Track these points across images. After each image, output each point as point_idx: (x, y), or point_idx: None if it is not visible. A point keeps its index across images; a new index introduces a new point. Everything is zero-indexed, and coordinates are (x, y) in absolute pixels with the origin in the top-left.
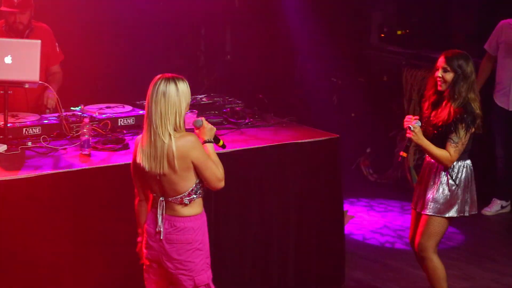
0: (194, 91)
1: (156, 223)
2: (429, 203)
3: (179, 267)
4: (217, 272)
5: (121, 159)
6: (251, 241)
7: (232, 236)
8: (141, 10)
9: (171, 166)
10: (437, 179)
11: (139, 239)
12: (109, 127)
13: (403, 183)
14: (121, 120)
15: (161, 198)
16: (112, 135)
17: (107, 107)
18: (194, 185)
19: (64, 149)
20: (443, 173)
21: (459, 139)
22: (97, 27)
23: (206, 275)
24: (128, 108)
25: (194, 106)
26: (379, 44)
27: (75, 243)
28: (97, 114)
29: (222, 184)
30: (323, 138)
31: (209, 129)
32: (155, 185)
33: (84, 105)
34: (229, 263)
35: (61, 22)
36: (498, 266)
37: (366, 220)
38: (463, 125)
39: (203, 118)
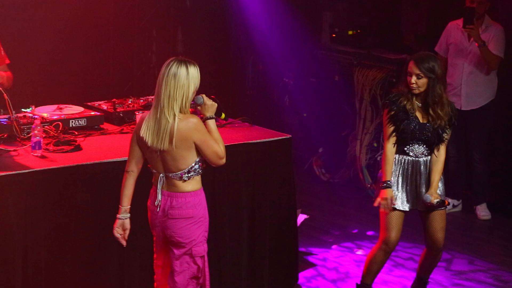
0: (145, 92)
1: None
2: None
3: (180, 241)
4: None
5: (73, 160)
6: None
7: None
8: (92, 11)
9: (171, 144)
10: None
11: (118, 215)
12: (60, 129)
13: (356, 182)
14: (72, 121)
15: (161, 175)
16: (64, 136)
17: (58, 108)
18: (193, 163)
19: (15, 150)
20: None
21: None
22: (48, 29)
23: (202, 248)
24: (80, 109)
25: (146, 107)
26: (330, 45)
27: (25, 245)
28: (48, 116)
29: (223, 161)
30: (275, 138)
31: (210, 105)
32: (156, 161)
33: (35, 107)
34: None
35: (6, 23)
36: (450, 265)
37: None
38: (452, 123)
39: (203, 95)
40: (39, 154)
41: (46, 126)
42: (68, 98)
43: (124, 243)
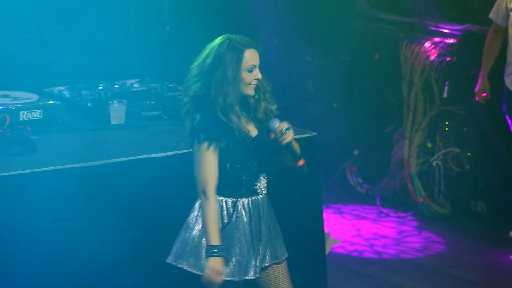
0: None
1: None
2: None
3: None
4: None
5: (25, 165)
6: None
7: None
8: None
9: None
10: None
11: None
12: (7, 123)
13: (403, 196)
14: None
15: None
16: (13, 133)
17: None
18: None
19: None
20: None
21: None
22: None
23: None
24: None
25: (123, 94)
26: (369, 11)
27: None
28: None
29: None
30: (297, 137)
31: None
32: None
33: None
34: None
35: None
36: None
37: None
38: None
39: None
40: None
41: None
42: None
43: None
